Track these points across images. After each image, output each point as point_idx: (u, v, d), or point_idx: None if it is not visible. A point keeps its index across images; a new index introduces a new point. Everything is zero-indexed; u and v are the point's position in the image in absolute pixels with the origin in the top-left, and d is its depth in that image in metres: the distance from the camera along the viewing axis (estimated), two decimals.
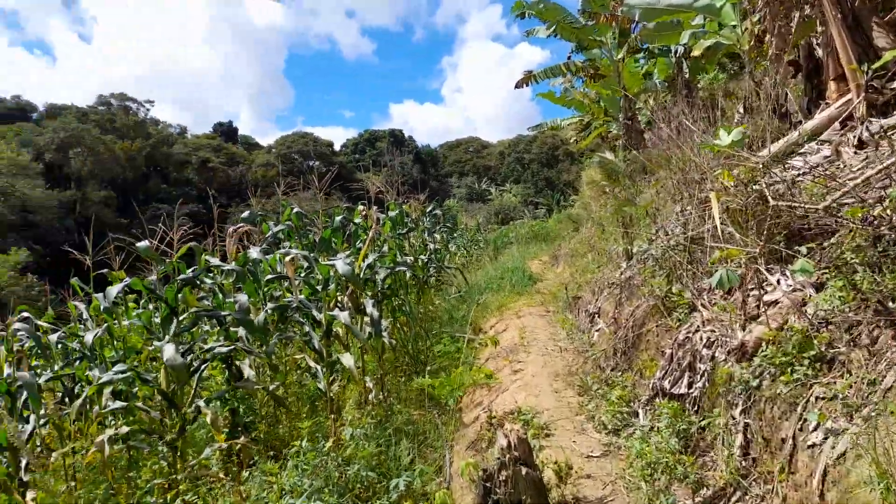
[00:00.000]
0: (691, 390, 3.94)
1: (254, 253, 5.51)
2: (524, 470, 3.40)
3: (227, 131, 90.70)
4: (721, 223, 3.85)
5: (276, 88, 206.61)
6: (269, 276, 5.38)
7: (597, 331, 6.22)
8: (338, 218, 7.06)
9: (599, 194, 20.60)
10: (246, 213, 6.80)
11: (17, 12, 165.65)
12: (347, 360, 4.97)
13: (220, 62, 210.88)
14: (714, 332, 3.86)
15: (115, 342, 5.32)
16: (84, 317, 5.99)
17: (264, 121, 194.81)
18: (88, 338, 4.89)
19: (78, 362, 5.47)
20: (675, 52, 16.03)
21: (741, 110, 9.22)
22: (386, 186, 8.55)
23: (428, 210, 12.25)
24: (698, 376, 3.90)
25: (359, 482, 4.06)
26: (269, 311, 5.15)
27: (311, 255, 5.42)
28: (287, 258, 5.24)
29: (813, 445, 2.75)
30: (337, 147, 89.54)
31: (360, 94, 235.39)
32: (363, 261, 6.43)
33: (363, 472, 4.06)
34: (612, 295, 6.23)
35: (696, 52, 10.46)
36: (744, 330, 3.67)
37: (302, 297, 5.41)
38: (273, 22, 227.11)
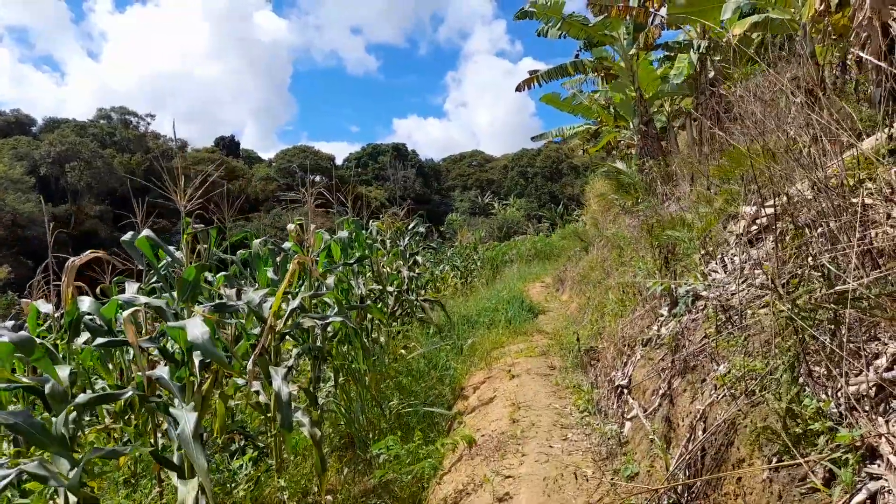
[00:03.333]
0: None
1: (85, 304, 3.47)
2: None
3: (228, 145, 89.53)
4: None
5: (281, 103, 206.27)
6: (101, 342, 3.30)
7: (629, 419, 4.09)
8: (256, 242, 5.02)
9: (608, 208, 18.57)
10: (128, 235, 4.78)
11: (26, 29, 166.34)
12: (184, 491, 2.89)
13: (227, 77, 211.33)
14: None
15: None
16: None
17: (269, 136, 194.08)
18: None
19: None
20: (698, 47, 13.97)
21: (798, 101, 7.10)
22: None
23: (409, 226, 10.11)
24: None
25: None
26: (83, 403, 3.08)
27: (171, 307, 3.36)
28: (125, 313, 3.19)
29: None
30: (339, 161, 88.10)
31: (364, 110, 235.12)
32: (281, 304, 4.38)
33: None
34: (650, 360, 4.11)
35: (736, 31, 8.40)
36: None
37: (164, 373, 3.32)
38: (279, 38, 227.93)
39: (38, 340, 3.76)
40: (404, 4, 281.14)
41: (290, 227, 5.06)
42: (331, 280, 5.35)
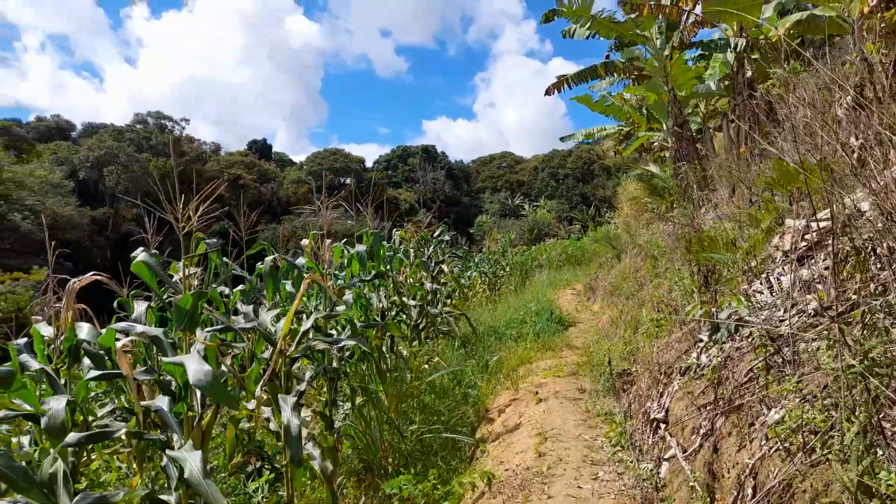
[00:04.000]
0: None
1: (83, 330, 3.28)
2: None
3: (261, 148, 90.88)
4: None
5: (312, 107, 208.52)
6: (93, 375, 3.10)
7: (666, 459, 3.72)
8: (267, 260, 4.80)
9: (641, 212, 18.03)
10: (137, 253, 4.64)
11: (67, 37, 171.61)
12: None
13: (259, 82, 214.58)
14: None
15: None
16: None
17: (301, 139, 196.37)
18: None
19: None
20: (736, 46, 13.40)
21: (846, 102, 6.65)
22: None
23: (434, 234, 9.85)
24: None
25: None
26: (73, 443, 2.87)
27: (169, 337, 3.14)
28: (119, 343, 2.98)
29: None
30: (369, 163, 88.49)
31: (393, 112, 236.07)
32: (293, 324, 4.16)
33: None
34: (689, 393, 3.74)
35: (779, 30, 7.95)
36: None
37: (163, 404, 3.10)
38: (310, 42, 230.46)
39: (38, 367, 3.61)
40: (433, 6, 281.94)
41: (304, 242, 4.83)
42: (349, 296, 5.11)
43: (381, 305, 6.57)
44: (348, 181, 77.56)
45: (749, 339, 3.67)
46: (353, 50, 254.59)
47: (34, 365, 3.65)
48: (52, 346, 4.73)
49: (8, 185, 50.62)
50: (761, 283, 4.40)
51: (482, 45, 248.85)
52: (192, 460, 2.58)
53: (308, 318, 4.30)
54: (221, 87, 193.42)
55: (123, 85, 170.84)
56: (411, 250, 8.52)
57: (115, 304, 6.80)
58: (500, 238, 24.25)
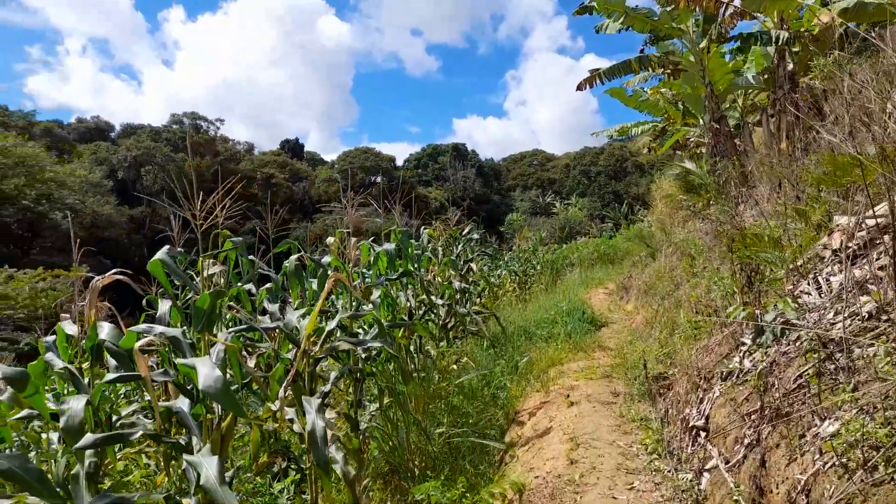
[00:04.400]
0: None
1: (104, 330, 3.23)
2: None
3: (293, 148, 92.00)
4: None
5: (343, 106, 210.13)
6: (111, 377, 3.04)
7: (707, 470, 3.50)
8: (291, 259, 4.72)
9: (676, 210, 17.59)
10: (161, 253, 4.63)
11: (107, 40, 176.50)
12: None
13: (291, 82, 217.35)
14: None
15: None
16: None
17: (332, 138, 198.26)
18: None
19: None
20: (777, 38, 12.92)
21: None
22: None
23: (464, 232, 9.71)
24: None
25: None
26: (88, 445, 2.80)
27: (187, 338, 3.06)
28: (137, 344, 2.92)
29: None
30: (400, 162, 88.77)
31: (424, 111, 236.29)
32: (318, 323, 4.06)
33: None
34: (732, 400, 3.51)
35: (824, 19, 7.59)
36: None
37: (184, 406, 3.03)
38: (341, 42, 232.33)
39: (62, 365, 3.58)
40: (463, 4, 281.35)
41: (330, 240, 4.74)
42: (376, 295, 5.01)
43: (408, 304, 6.45)
44: (378, 179, 77.91)
45: (797, 344, 3.44)
46: (384, 49, 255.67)
47: (59, 364, 3.62)
48: (78, 344, 4.73)
49: (49, 184, 52.08)
50: (808, 284, 4.15)
51: (512, 43, 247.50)
52: (208, 466, 2.50)
53: (333, 318, 4.21)
54: (255, 88, 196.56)
55: (160, 87, 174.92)
56: (440, 248, 8.39)
57: (144, 301, 6.84)
58: (530, 236, 23.97)
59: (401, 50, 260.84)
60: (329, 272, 4.82)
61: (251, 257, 5.60)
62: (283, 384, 3.72)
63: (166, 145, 72.86)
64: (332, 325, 4.10)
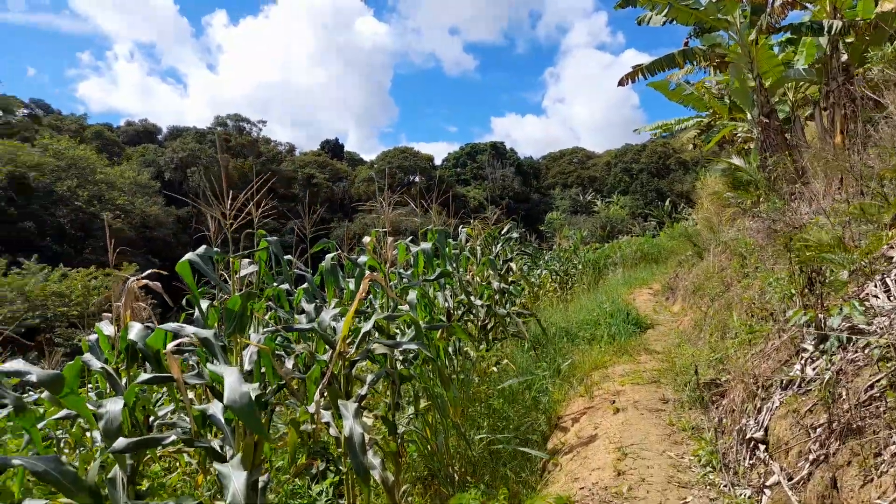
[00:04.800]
0: None
1: (134, 330, 3.19)
2: None
3: (333, 148, 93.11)
4: None
5: (382, 106, 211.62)
6: (143, 378, 2.98)
7: (768, 487, 3.24)
8: (327, 258, 4.65)
9: (723, 208, 17.01)
10: (194, 254, 4.66)
11: (154, 45, 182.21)
12: None
13: (331, 83, 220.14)
14: None
15: None
16: None
17: (371, 138, 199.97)
18: None
19: None
20: (829, 28, 12.35)
21: None
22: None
23: (503, 231, 9.52)
24: None
25: None
26: (121, 449, 2.74)
27: (218, 340, 2.99)
28: (169, 346, 2.86)
29: None
30: (438, 161, 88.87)
31: (462, 110, 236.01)
32: (354, 324, 3.98)
33: None
34: (794, 412, 3.25)
35: (887, 6, 7.16)
36: None
37: (218, 410, 2.96)
38: (379, 43, 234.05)
39: (100, 366, 3.56)
40: (501, 2, 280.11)
41: (366, 239, 4.64)
42: (412, 296, 4.90)
43: (446, 306, 6.33)
44: (417, 179, 78.18)
45: (865, 351, 3.18)
46: (422, 49, 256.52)
47: (96, 364, 3.61)
48: (115, 345, 4.74)
49: (101, 185, 54.00)
50: (875, 287, 3.86)
51: (551, 40, 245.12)
52: (236, 480, 2.41)
53: (368, 319, 4.11)
54: (295, 90, 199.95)
55: (204, 90, 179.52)
56: (478, 248, 8.24)
57: (183, 301, 6.88)
58: (571, 234, 23.58)
59: (438, 49, 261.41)
60: (366, 272, 4.72)
61: (288, 257, 5.58)
62: (318, 388, 3.63)
63: (210, 147, 74.67)
64: (367, 326, 4.00)
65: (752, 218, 10.60)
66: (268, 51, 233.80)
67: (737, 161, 16.60)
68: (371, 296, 5.39)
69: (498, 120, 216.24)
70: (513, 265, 9.06)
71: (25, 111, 66.48)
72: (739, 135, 19.85)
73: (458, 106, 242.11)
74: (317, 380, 3.96)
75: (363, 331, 4.02)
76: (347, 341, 3.89)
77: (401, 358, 4.68)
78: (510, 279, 8.77)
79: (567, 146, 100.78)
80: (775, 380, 3.82)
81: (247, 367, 3.15)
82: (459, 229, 8.38)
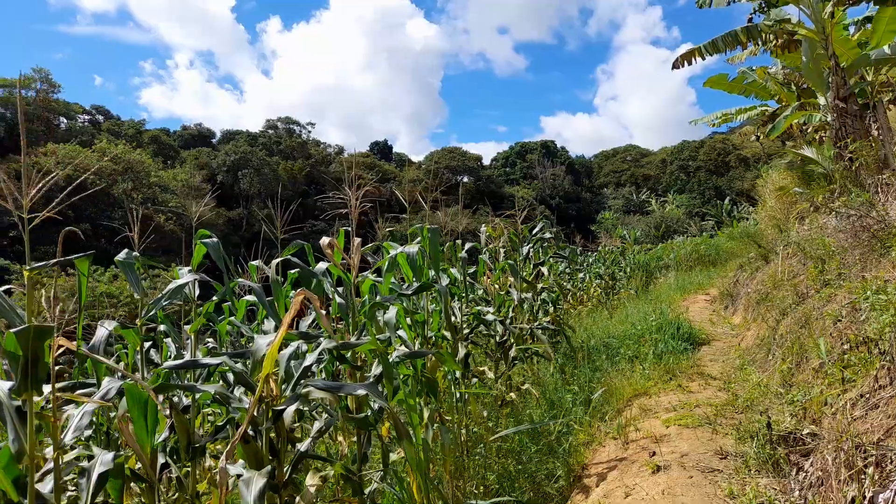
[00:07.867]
0: None
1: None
2: None
3: (382, 149, 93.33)
4: None
5: (432, 108, 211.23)
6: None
7: None
8: (273, 264, 3.60)
9: (791, 205, 15.26)
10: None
11: (212, 52, 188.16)
12: None
13: (381, 85, 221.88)
14: None
15: None
16: None
17: (421, 139, 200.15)
18: None
19: None
20: None
21: None
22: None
23: (533, 231, 8.21)
24: None
25: None
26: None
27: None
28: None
29: None
30: (487, 161, 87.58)
31: (512, 110, 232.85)
32: (281, 351, 2.94)
33: None
34: None
35: None
36: None
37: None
38: (429, 45, 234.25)
39: None
40: (552, 0, 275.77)
41: (325, 241, 3.57)
42: (391, 314, 3.80)
43: (455, 320, 5.23)
44: (465, 179, 77.07)
45: None
46: (471, 49, 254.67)
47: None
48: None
49: (154, 188, 55.24)
50: None
51: (603, 37, 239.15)
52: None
53: (312, 350, 3.05)
54: (346, 92, 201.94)
55: (260, 95, 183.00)
56: (501, 250, 7.09)
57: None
58: (624, 235, 22.02)
59: (488, 49, 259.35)
60: (327, 283, 3.66)
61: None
62: (228, 448, 2.59)
63: (262, 149, 75.73)
64: (309, 360, 2.94)
65: (828, 214, 9.06)
66: (321, 55, 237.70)
67: (807, 152, 14.82)
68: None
69: (548, 119, 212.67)
70: (544, 270, 7.83)
71: (86, 117, 68.98)
72: (808, 125, 18.00)
73: (508, 106, 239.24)
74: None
75: (304, 365, 2.97)
76: (273, 381, 2.84)
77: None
78: (540, 286, 7.56)
79: (620, 144, 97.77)
80: (891, 445, 2.56)
81: (70, 437, 2.14)
82: (480, 229, 7.27)
